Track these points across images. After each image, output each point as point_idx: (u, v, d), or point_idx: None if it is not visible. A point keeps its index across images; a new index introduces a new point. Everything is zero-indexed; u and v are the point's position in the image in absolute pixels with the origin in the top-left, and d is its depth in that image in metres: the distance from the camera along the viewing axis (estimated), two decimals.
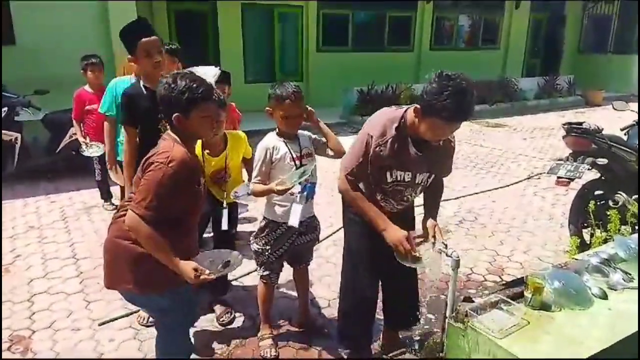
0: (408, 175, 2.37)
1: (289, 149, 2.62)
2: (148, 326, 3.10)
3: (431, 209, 2.48)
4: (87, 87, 4.98)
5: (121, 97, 2.98)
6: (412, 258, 2.27)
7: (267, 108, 2.61)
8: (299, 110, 2.57)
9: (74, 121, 4.97)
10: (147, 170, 1.97)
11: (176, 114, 1.98)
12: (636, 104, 5.51)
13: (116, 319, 3.23)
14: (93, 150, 4.73)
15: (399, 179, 2.38)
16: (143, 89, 2.86)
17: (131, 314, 3.25)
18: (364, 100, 10.28)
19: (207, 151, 2.87)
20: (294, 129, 2.65)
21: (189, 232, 2.18)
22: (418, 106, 2.15)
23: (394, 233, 2.29)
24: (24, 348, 2.94)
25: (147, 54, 2.78)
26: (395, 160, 2.31)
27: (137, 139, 2.88)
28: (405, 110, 2.29)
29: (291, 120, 2.57)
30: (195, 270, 1.96)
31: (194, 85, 1.96)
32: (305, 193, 2.63)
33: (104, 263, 2.17)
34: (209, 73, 3.21)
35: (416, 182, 2.40)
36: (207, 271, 2.00)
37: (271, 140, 2.65)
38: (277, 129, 2.67)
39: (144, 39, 2.77)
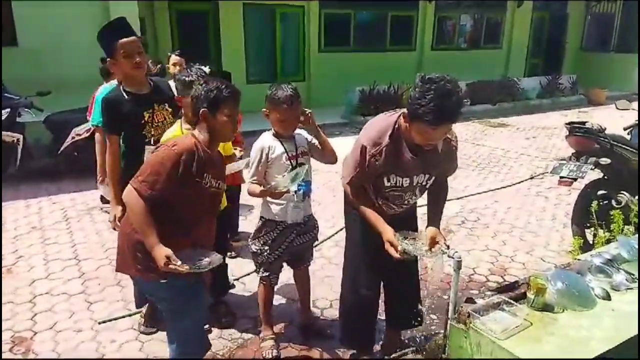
0: (406, 180, 2.37)
1: (284, 148, 2.62)
2: (146, 333, 3.07)
3: (434, 215, 2.45)
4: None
5: (101, 102, 2.83)
6: (401, 254, 2.22)
7: (264, 110, 2.62)
8: (295, 114, 2.58)
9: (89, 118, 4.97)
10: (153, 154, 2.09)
11: (203, 108, 2.11)
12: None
13: (117, 318, 3.24)
14: None
15: (397, 184, 2.38)
16: (124, 93, 2.72)
17: (133, 314, 3.26)
18: (366, 100, 10.27)
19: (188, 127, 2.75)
20: (289, 132, 2.66)
21: (197, 225, 2.17)
22: (405, 111, 2.15)
23: (384, 236, 2.28)
24: (25, 349, 2.94)
25: (126, 55, 2.63)
26: (391, 166, 2.32)
27: (120, 146, 2.78)
28: (399, 116, 2.28)
29: (286, 123, 2.59)
30: (168, 258, 1.95)
31: (223, 86, 2.15)
32: (301, 191, 2.64)
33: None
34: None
35: (414, 184, 2.40)
36: (179, 262, 1.96)
37: (267, 139, 2.66)
38: (272, 129, 2.68)
39: (122, 40, 2.62)
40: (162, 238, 2.00)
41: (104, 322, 3.20)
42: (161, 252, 1.97)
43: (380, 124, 2.34)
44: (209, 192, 2.18)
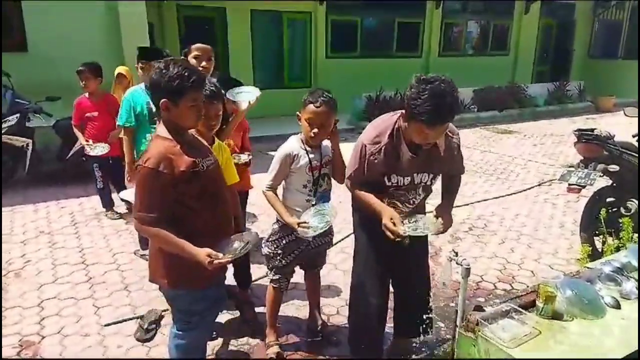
0: (407, 179, 2.38)
1: (309, 159, 2.59)
2: (143, 340, 3.06)
3: (445, 200, 2.51)
4: (87, 95, 4.97)
5: (123, 100, 3.44)
6: (400, 236, 2.21)
7: (297, 113, 2.59)
8: (321, 119, 2.50)
9: (73, 126, 5.01)
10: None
11: (164, 99, 1.96)
12: None
13: (122, 321, 3.25)
14: (98, 150, 4.75)
15: (399, 183, 2.39)
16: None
17: (138, 317, 3.26)
18: (373, 106, 10.27)
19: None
20: (318, 141, 2.60)
21: (217, 208, 2.12)
22: (403, 111, 2.18)
23: (383, 216, 2.27)
24: (33, 353, 2.95)
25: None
26: (391, 166, 2.33)
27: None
28: (400, 115, 2.31)
29: (316, 130, 2.51)
30: (209, 256, 1.94)
31: (186, 73, 1.94)
32: (321, 201, 2.65)
33: None
34: (253, 93, 3.23)
35: (415, 183, 2.42)
36: (221, 255, 1.97)
37: (294, 147, 2.62)
38: (300, 134, 2.65)
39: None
40: (193, 240, 1.98)
41: (109, 324, 3.21)
42: (201, 255, 1.94)
43: (381, 124, 2.38)
44: (210, 172, 2.10)
